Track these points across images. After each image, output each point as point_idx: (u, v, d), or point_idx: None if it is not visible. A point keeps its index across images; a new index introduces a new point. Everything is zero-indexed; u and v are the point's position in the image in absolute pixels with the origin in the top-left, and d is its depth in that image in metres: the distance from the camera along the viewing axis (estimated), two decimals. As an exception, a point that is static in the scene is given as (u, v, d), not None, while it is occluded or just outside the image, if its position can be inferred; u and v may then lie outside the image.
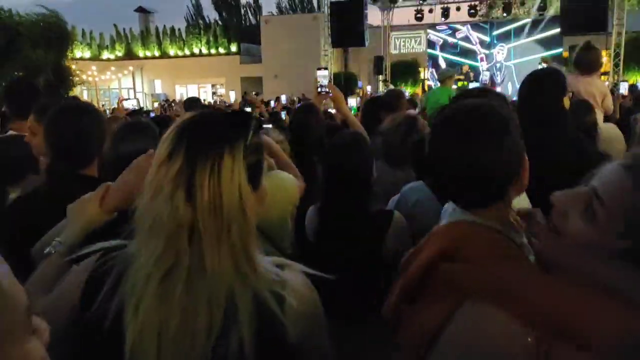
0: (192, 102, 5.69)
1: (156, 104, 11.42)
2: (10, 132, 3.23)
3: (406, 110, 3.98)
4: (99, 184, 1.62)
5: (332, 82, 19.13)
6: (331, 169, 2.27)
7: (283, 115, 6.97)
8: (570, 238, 0.99)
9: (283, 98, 12.74)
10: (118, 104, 5.13)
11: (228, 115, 1.14)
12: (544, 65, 5.42)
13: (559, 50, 19.02)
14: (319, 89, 3.73)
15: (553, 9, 19.43)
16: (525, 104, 2.61)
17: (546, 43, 19.34)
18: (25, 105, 3.09)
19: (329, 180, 2.28)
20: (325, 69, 3.90)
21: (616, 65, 14.58)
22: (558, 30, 16.91)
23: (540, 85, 2.61)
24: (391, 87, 20.11)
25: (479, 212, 1.16)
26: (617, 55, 14.57)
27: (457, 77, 18.85)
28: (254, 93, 26.38)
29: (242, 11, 39.37)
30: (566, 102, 2.69)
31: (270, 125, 3.93)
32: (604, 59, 16.93)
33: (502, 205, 1.16)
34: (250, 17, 38.88)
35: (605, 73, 19.23)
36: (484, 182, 1.13)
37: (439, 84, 7.35)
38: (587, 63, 3.76)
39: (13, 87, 3.45)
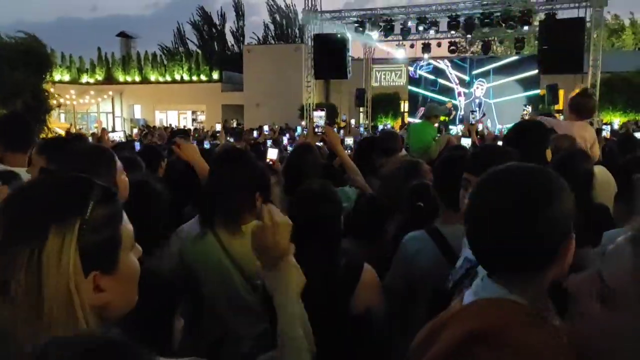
0: (178, 134, 5.59)
1: (135, 130, 11.22)
2: (2, 166, 3.12)
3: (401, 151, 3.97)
4: None
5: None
6: (298, 219, 2.09)
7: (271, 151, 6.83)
8: (590, 322, 0.93)
9: (265, 128, 12.59)
10: (103, 134, 4.95)
11: (60, 184, 0.94)
12: (529, 108, 5.51)
13: (537, 91, 19.48)
14: (315, 129, 3.68)
15: (529, 49, 19.98)
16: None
17: (524, 82, 19.78)
18: (20, 140, 3.11)
19: (296, 232, 2.08)
20: (322, 109, 3.85)
21: (592, 104, 14.93)
22: (536, 70, 17.36)
23: (524, 138, 2.62)
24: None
25: (512, 284, 1.08)
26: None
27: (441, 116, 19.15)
28: (234, 122, 26.38)
29: (225, 40, 39.65)
30: (548, 155, 2.69)
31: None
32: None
33: (538, 281, 1.08)
34: (234, 46, 39.14)
35: (581, 112, 19.77)
36: (516, 255, 1.06)
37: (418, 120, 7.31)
38: (585, 109, 3.82)
39: (6, 122, 3.40)
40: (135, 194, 2.00)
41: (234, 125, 27.15)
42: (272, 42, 38.19)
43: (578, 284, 0.97)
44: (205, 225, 2.31)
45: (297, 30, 38.23)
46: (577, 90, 3.98)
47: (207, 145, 7.02)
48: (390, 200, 2.89)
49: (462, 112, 20.70)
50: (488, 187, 1.13)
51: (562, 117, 19.47)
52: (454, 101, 21.08)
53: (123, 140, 5.72)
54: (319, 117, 3.73)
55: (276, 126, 18.96)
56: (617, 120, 17.34)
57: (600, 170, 3.39)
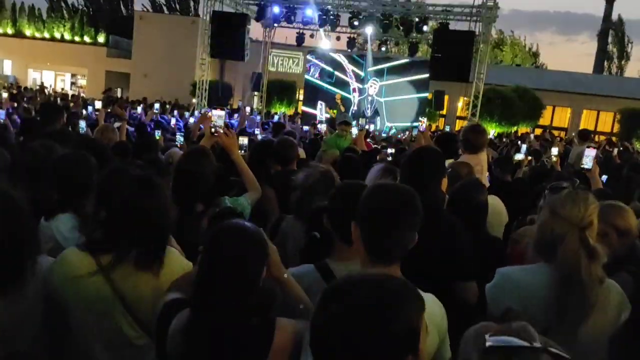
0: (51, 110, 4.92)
1: (5, 94, 9.92)
2: None
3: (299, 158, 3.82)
4: None
5: (209, 93, 18.54)
6: (209, 262, 1.66)
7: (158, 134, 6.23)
8: None
9: (156, 106, 11.40)
10: None
11: None
12: (424, 119, 5.60)
13: (426, 94, 20.37)
14: (213, 130, 3.37)
15: (422, 53, 20.83)
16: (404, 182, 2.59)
17: (415, 85, 20.55)
18: None
19: (204, 276, 1.66)
20: (222, 109, 3.52)
21: (473, 114, 15.89)
22: (427, 74, 18.11)
23: (420, 167, 2.61)
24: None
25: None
26: (474, 105, 15.89)
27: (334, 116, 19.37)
28: (118, 90, 24.77)
29: (115, 1, 36.89)
30: (444, 183, 2.70)
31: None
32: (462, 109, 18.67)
33: None
34: (124, 10, 36.56)
35: (464, 118, 21.03)
36: None
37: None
38: (476, 145, 3.93)
39: None
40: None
41: (118, 94, 25.46)
42: (164, 9, 36.23)
43: None
44: (91, 249, 1.96)
45: (192, 2, 36.71)
46: (466, 124, 4.12)
47: (85, 119, 6.35)
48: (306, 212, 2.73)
49: (356, 108, 21.09)
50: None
51: (444, 122, 20.47)
52: (348, 95, 21.39)
53: None
54: (218, 116, 3.41)
55: (165, 100, 18.02)
56: (492, 131, 18.63)
57: (492, 200, 3.49)
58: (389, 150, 5.61)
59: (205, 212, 2.82)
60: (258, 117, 13.48)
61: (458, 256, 2.47)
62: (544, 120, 24.85)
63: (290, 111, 22.70)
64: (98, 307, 1.91)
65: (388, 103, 20.82)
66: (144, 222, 1.92)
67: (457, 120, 24.50)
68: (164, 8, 36.63)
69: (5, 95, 9.92)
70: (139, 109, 12.53)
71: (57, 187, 2.41)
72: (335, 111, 20.90)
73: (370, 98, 21.10)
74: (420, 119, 6.26)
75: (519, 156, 6.51)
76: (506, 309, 1.94)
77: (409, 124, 18.34)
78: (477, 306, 2.40)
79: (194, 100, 19.07)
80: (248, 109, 12.56)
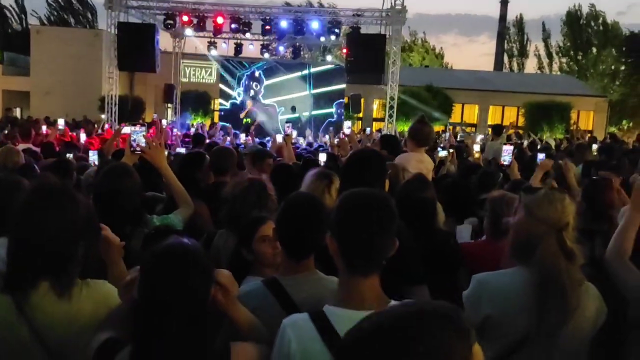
0: None
1: None
2: None
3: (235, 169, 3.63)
4: None
5: (119, 108, 17.66)
6: (149, 288, 1.48)
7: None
8: None
9: (61, 122, 10.70)
10: None
11: None
12: (348, 123, 5.63)
13: (342, 100, 20.62)
14: (132, 148, 3.09)
15: (336, 58, 21.06)
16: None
17: (331, 91, 20.70)
18: None
19: (145, 306, 1.47)
20: (142, 125, 3.24)
21: (390, 115, 16.22)
22: (342, 80, 18.31)
23: (365, 169, 2.53)
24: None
25: None
26: (391, 107, 16.22)
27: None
28: (17, 110, 23.10)
29: (7, 15, 34.55)
30: (386, 185, 2.64)
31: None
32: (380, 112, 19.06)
33: None
34: (14, 24, 34.32)
35: (380, 119, 21.48)
36: None
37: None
38: (422, 136, 3.87)
39: None
40: None
41: (17, 114, 23.75)
42: (57, 21, 34.40)
43: None
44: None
45: (89, 14, 35.25)
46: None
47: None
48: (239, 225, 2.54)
49: (259, 117, 20.78)
50: None
51: (361, 124, 20.83)
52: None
53: None
54: (137, 132, 3.14)
55: (72, 119, 16.97)
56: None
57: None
58: (321, 157, 5.47)
59: (134, 233, 2.57)
60: (175, 130, 12.99)
61: (405, 260, 2.37)
62: (455, 117, 25.92)
63: (207, 121, 22.16)
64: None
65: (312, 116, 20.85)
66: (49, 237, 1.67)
67: (374, 122, 25.01)
68: (59, 22, 34.81)
69: None
70: (44, 128, 11.65)
71: None
72: (249, 120, 20.65)
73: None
74: (348, 126, 6.23)
75: (442, 153, 6.61)
76: (486, 317, 1.85)
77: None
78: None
79: (103, 116, 18.11)
80: (164, 122, 12.07)
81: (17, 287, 1.67)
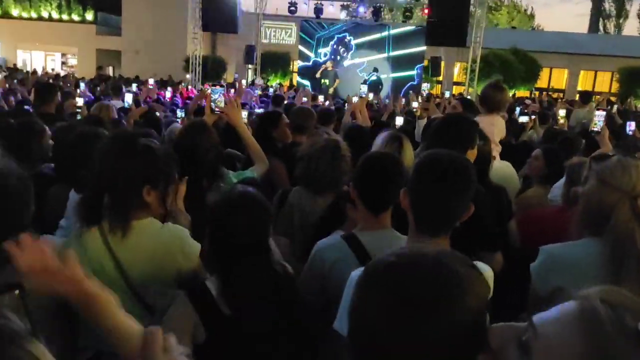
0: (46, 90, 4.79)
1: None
2: None
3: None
4: None
5: (203, 68, 18.24)
6: (216, 236, 1.83)
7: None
8: None
9: (151, 81, 11.23)
10: None
11: None
12: (428, 86, 5.60)
13: (421, 64, 20.13)
14: (213, 108, 3.28)
15: (416, 19, 20.48)
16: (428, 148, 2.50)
17: (411, 53, 20.24)
18: None
19: (217, 252, 1.83)
20: (222, 85, 3.42)
21: (471, 79, 15.72)
22: (422, 42, 17.81)
23: (454, 134, 2.47)
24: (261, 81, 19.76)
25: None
26: (472, 70, 15.70)
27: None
28: (110, 69, 24.37)
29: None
30: (471, 155, 2.59)
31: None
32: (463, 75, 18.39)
33: None
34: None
35: (461, 83, 20.83)
36: None
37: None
38: (493, 102, 3.78)
39: None
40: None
41: (109, 72, 25.10)
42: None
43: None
44: (89, 221, 1.88)
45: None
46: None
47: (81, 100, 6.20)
48: (314, 186, 2.69)
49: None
50: None
51: (443, 88, 20.19)
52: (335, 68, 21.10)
53: None
54: (218, 92, 3.32)
55: (159, 78, 17.75)
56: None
57: (503, 166, 3.40)
58: (397, 121, 5.44)
59: (210, 187, 2.75)
60: (256, 91, 13.29)
61: (483, 226, 2.37)
62: (542, 82, 24.65)
63: (286, 83, 22.43)
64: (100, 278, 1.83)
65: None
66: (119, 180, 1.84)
67: (454, 86, 24.29)
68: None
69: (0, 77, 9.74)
70: (134, 87, 12.33)
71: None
72: (326, 81, 20.67)
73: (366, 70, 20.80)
74: (424, 89, 6.12)
75: (523, 118, 6.40)
76: (556, 289, 1.83)
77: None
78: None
79: (188, 76, 18.81)
80: (244, 81, 12.38)
81: (98, 223, 1.86)
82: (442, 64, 19.82)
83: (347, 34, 20.78)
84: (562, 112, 6.75)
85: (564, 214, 2.72)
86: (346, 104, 8.59)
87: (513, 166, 3.67)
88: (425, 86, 5.91)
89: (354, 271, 1.69)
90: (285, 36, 26.49)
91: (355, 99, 7.31)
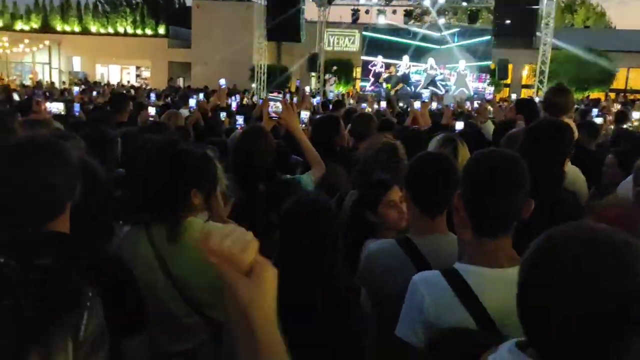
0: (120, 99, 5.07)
1: (76, 89, 10.42)
2: None
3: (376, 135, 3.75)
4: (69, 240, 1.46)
5: (267, 77, 18.64)
6: (289, 237, 1.89)
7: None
8: None
9: (222, 81, 11.66)
10: (39, 106, 4.41)
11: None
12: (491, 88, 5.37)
13: (488, 62, 19.60)
14: (271, 114, 3.36)
15: (482, 21, 20.02)
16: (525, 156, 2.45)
17: (476, 54, 19.80)
18: None
19: (285, 246, 1.89)
20: (279, 92, 3.52)
21: (540, 81, 15.16)
22: (488, 41, 17.35)
23: (555, 139, 2.36)
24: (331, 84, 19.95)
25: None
26: (542, 72, 15.14)
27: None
28: (179, 80, 25.33)
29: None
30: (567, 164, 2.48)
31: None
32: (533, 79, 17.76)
33: None
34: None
35: (530, 86, 20.12)
36: None
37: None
38: (558, 106, 3.65)
39: None
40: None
41: (180, 84, 26.12)
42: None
43: None
44: (138, 223, 1.96)
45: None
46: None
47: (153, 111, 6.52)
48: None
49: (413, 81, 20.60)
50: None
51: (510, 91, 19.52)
52: (405, 71, 20.96)
53: (62, 112, 5.12)
54: (276, 99, 3.40)
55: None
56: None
57: (572, 170, 3.27)
58: (457, 125, 5.35)
59: (267, 191, 2.81)
60: (317, 99, 13.44)
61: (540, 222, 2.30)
62: (618, 83, 23.38)
63: (349, 90, 22.53)
64: (148, 280, 1.86)
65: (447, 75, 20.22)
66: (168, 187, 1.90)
67: (523, 89, 23.46)
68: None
69: (76, 90, 10.39)
70: (201, 95, 12.81)
71: None
72: (389, 85, 20.55)
73: (433, 72, 20.56)
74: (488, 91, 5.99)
75: (598, 120, 6.12)
76: None
77: (470, 95, 17.75)
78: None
79: (253, 85, 19.29)
80: (307, 89, 12.55)
81: (144, 223, 1.92)
82: (510, 66, 19.26)
83: (411, 40, 20.64)
84: (636, 115, 6.39)
85: (635, 215, 2.58)
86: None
87: (593, 173, 3.50)
88: (489, 90, 5.66)
89: (415, 275, 1.66)
90: (348, 43, 26.61)
91: (417, 105, 7.26)
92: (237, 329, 0.96)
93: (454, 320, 1.51)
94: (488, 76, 19.46)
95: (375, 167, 2.65)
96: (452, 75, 20.40)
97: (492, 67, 19.36)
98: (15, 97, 9.71)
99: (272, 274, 0.95)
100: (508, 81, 21.50)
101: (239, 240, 0.91)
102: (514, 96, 13.41)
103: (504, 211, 1.56)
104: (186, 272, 1.86)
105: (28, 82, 19.22)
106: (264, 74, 18.76)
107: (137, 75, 30.78)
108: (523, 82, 24.83)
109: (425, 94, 6.17)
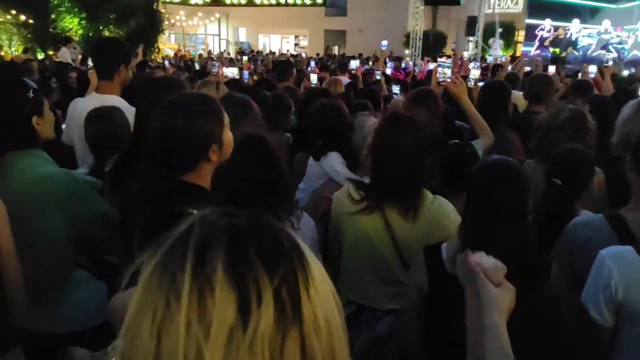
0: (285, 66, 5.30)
1: (245, 58, 11.25)
2: (94, 94, 3.17)
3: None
4: (205, 192, 1.58)
5: (423, 43, 18.20)
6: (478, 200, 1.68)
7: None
8: None
9: (384, 42, 11.78)
10: (219, 71, 4.90)
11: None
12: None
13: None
14: (439, 79, 3.33)
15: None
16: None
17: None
18: (112, 66, 3.06)
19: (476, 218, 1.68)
20: (449, 57, 3.47)
21: None
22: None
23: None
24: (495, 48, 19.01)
25: None
26: None
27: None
28: (335, 48, 25.80)
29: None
30: None
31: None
32: None
33: None
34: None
35: None
36: None
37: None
38: None
39: (100, 47, 3.32)
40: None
41: (335, 52, 26.61)
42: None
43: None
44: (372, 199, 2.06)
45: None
46: None
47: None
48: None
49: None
50: None
51: None
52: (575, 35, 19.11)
53: (236, 76, 5.59)
54: (445, 65, 3.35)
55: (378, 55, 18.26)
56: None
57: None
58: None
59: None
60: (474, 64, 12.89)
61: None
62: None
63: (508, 54, 21.19)
64: (373, 242, 2.03)
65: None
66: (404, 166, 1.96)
67: None
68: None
69: (245, 59, 11.23)
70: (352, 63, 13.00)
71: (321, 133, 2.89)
72: (557, 50, 18.92)
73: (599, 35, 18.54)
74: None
75: None
76: None
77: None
78: None
79: (407, 52, 19.01)
80: (466, 54, 12.10)
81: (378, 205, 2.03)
82: None
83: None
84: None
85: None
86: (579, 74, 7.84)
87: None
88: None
89: (603, 250, 1.59)
90: (510, 4, 24.86)
91: (591, 68, 6.64)
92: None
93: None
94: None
95: (560, 135, 2.49)
96: (631, 37, 18.18)
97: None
98: (196, 66, 10.98)
99: (512, 294, 1.20)
100: None
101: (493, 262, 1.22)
102: None
103: None
104: (411, 243, 1.97)
105: (202, 52, 20.96)
106: (419, 39, 18.36)
107: (296, 44, 31.96)
108: None
109: (608, 56, 5.54)
